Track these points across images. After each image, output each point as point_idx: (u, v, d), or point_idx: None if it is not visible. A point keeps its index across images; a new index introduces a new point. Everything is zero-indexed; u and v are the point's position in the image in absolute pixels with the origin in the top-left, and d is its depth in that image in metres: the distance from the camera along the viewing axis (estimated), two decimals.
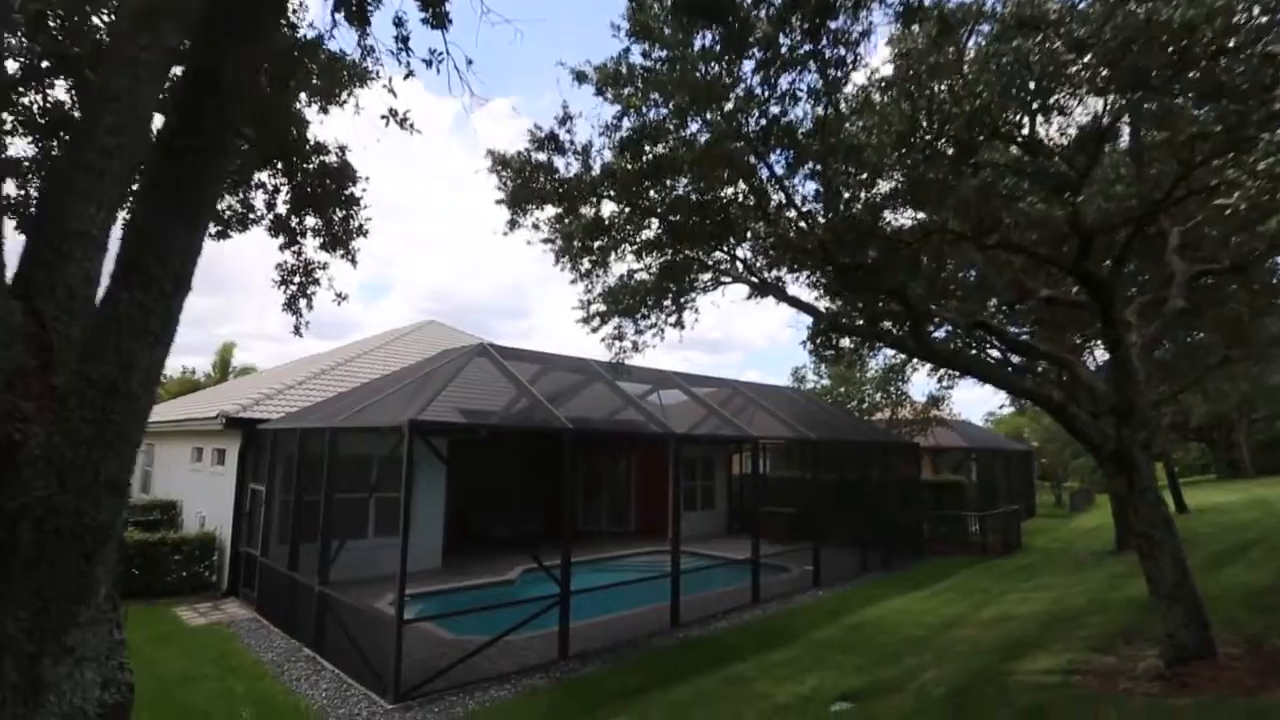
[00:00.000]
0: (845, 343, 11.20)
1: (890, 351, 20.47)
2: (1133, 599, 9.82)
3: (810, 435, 14.21)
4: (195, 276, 2.55)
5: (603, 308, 9.65)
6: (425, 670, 7.80)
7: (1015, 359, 17.05)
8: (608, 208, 7.87)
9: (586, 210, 7.87)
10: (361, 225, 6.70)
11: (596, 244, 7.79)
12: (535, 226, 8.56)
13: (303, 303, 6.23)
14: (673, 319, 9.95)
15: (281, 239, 6.18)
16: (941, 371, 19.47)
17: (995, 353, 18.83)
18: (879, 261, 6.57)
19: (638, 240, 8.12)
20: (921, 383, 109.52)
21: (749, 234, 7.53)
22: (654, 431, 10.36)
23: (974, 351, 17.47)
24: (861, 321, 8.85)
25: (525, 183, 6.94)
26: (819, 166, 6.60)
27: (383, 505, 13.74)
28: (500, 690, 7.54)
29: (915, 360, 18.14)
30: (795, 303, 8.01)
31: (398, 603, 7.13)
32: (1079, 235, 5.93)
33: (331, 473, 8.98)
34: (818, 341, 10.56)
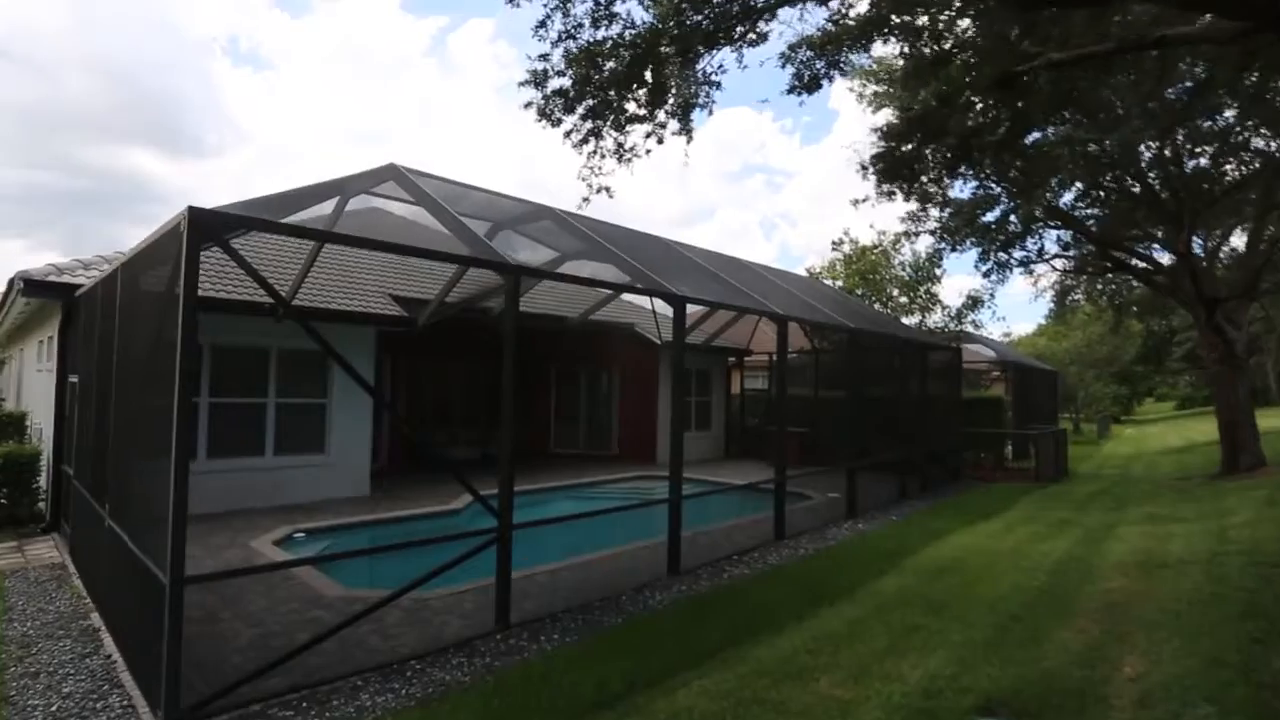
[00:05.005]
0: (924, 170, 7.70)
1: (927, 240, 16.99)
2: None
3: (847, 324, 10.87)
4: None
5: (566, 81, 6.01)
6: (263, 653, 4.60)
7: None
8: None
9: None
10: None
11: None
12: None
13: None
14: (677, 115, 6.37)
15: None
16: (990, 264, 16.08)
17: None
18: None
19: None
20: (956, 284, 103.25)
21: None
22: (640, 290, 6.90)
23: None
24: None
25: None
26: None
27: (286, 413, 10.47)
28: (380, 695, 4.29)
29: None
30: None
31: (171, 549, 3.77)
32: None
33: (124, 339, 5.46)
34: (896, 157, 7.03)
